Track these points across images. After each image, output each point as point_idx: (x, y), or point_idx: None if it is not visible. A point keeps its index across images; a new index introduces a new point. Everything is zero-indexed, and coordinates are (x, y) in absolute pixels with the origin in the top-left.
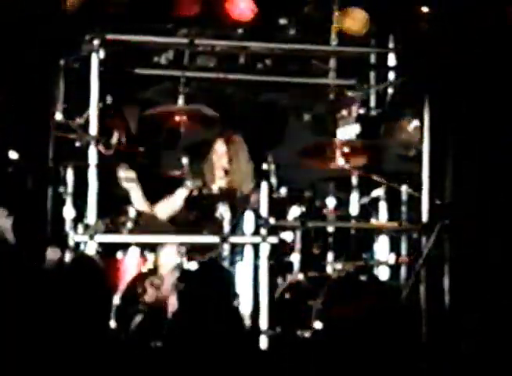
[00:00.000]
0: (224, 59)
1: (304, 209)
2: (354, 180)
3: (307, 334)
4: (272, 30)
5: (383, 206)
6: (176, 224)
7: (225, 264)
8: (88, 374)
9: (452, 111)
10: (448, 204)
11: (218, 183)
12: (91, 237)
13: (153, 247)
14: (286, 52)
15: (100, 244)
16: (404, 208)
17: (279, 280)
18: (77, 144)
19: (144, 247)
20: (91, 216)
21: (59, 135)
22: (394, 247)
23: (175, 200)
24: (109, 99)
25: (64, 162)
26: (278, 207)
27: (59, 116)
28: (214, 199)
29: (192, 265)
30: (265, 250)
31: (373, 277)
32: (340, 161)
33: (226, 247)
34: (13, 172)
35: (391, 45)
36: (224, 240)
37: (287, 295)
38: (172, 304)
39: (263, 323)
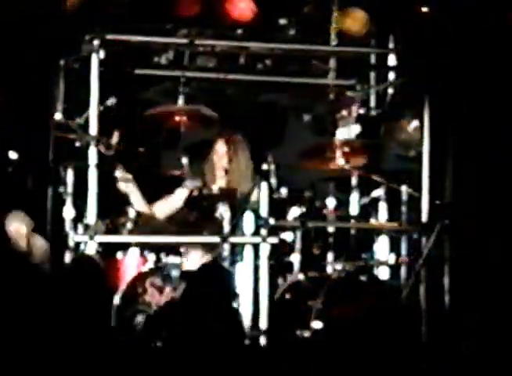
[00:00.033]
0: (224, 60)
1: (304, 209)
2: (354, 180)
3: (307, 334)
4: (271, 31)
5: (383, 206)
6: (176, 224)
7: (225, 264)
8: (89, 374)
9: (452, 111)
10: (448, 204)
11: (219, 183)
12: (91, 237)
13: (153, 248)
14: (286, 53)
15: (100, 244)
16: (404, 208)
17: (279, 280)
18: (77, 144)
19: (144, 247)
20: (91, 216)
21: (59, 135)
22: (394, 248)
23: (174, 200)
24: (113, 101)
25: (64, 162)
26: (278, 208)
27: (59, 116)
28: (214, 199)
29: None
30: (265, 250)
31: (373, 277)
32: (340, 161)
33: (226, 247)
34: (13, 172)
35: (391, 46)
36: (224, 240)
37: (287, 295)
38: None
39: (263, 323)
